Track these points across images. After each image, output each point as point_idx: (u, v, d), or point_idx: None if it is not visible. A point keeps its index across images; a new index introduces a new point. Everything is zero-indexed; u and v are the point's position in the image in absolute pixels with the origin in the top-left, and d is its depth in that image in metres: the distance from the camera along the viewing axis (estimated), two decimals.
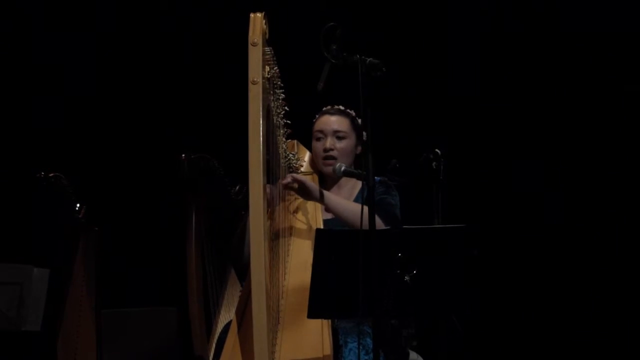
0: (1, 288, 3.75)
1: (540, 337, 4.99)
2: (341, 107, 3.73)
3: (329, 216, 3.58)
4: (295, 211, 3.59)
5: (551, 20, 5.05)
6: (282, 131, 3.44)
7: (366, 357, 3.26)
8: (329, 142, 3.65)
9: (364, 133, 3.62)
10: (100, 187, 4.99)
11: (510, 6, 5.06)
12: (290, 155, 3.62)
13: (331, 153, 3.64)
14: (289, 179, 3.47)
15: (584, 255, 4.97)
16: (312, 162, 3.76)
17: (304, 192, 3.48)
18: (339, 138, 3.66)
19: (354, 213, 3.39)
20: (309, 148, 3.76)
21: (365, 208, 2.88)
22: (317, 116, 3.75)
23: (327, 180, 3.73)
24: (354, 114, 3.72)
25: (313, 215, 3.56)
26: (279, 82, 3.33)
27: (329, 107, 3.74)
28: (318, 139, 3.69)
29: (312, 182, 3.61)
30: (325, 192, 3.51)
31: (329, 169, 3.64)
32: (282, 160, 3.50)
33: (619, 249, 4.95)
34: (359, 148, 3.70)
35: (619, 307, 4.90)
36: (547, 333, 4.99)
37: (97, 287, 4.15)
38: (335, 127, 3.67)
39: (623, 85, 4.94)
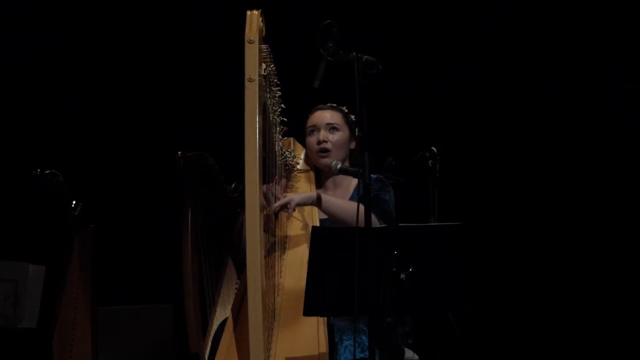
0: None
1: (537, 335, 5.00)
2: (333, 104, 3.74)
3: (325, 215, 3.58)
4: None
5: (549, 19, 5.06)
6: (278, 129, 3.45)
7: (362, 355, 3.26)
8: (322, 134, 3.66)
9: (357, 130, 3.66)
10: (96, 185, 4.99)
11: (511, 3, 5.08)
12: (287, 152, 3.62)
13: (325, 145, 3.65)
14: (278, 206, 3.42)
15: (583, 254, 4.97)
16: (308, 159, 3.76)
17: (300, 205, 3.48)
18: (332, 130, 3.67)
19: (348, 212, 3.39)
20: (305, 146, 3.76)
21: (361, 206, 2.87)
22: (309, 115, 3.75)
23: (323, 176, 3.74)
24: (346, 109, 3.73)
25: (309, 213, 3.56)
26: (276, 80, 3.33)
27: (320, 104, 3.75)
28: (311, 133, 3.69)
29: (308, 183, 3.62)
30: (318, 195, 3.50)
31: (324, 162, 3.64)
32: (278, 158, 3.50)
33: (618, 246, 4.95)
34: (353, 143, 3.71)
35: (618, 307, 4.91)
36: (544, 331, 5.00)
37: (92, 285, 4.15)
38: (328, 120, 3.68)
39: (624, 84, 4.95)
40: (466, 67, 5.11)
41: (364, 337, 3.29)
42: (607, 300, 4.93)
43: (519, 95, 5.10)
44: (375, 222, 3.29)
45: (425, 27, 5.13)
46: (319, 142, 3.65)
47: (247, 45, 3.10)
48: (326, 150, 3.65)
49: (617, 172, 4.99)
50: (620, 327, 4.91)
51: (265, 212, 3.38)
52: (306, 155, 3.77)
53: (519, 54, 5.08)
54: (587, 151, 5.02)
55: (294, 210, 3.43)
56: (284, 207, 3.41)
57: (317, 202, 3.47)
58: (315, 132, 3.68)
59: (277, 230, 3.47)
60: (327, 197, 3.52)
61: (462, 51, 5.12)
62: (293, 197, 3.44)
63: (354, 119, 3.70)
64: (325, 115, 3.70)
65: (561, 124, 5.06)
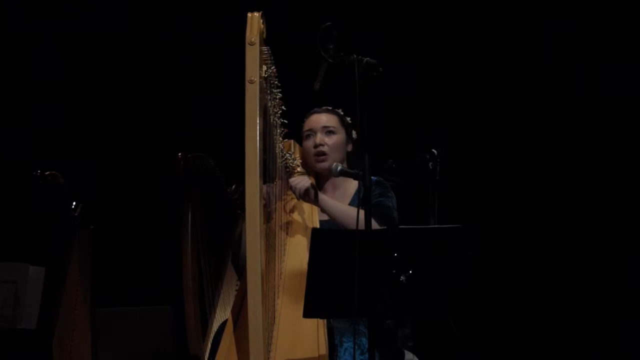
0: None
1: (537, 337, 5.00)
2: (329, 107, 3.73)
3: (325, 217, 3.57)
4: (292, 211, 3.59)
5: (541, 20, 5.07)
6: (278, 131, 3.44)
7: (362, 357, 3.26)
8: (319, 137, 3.65)
9: (354, 132, 3.66)
10: (96, 186, 4.99)
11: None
12: (287, 155, 3.61)
13: (322, 148, 3.64)
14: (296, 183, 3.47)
15: (581, 256, 4.98)
16: (306, 162, 3.76)
17: (306, 194, 3.48)
18: (329, 133, 3.66)
19: (349, 216, 3.39)
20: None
21: (361, 211, 2.87)
22: (305, 119, 3.75)
23: (322, 179, 3.73)
24: (342, 112, 3.73)
25: (309, 215, 3.56)
26: (276, 82, 3.33)
27: (316, 108, 3.75)
28: (308, 137, 3.69)
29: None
30: (321, 195, 3.51)
31: (321, 166, 3.64)
32: (278, 160, 3.49)
33: (617, 246, 4.95)
34: (350, 145, 3.70)
35: (618, 307, 4.91)
36: (544, 333, 5.00)
37: (92, 286, 4.15)
38: (324, 123, 3.67)
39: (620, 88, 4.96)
40: (465, 69, 5.11)
41: (364, 339, 3.28)
42: (606, 302, 4.93)
43: (518, 97, 5.10)
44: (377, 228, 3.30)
45: (423, 27, 5.13)
46: (316, 146, 3.65)
47: (247, 47, 3.09)
48: (323, 154, 3.64)
49: (617, 173, 4.99)
50: (620, 330, 4.91)
51: (265, 213, 3.38)
52: (304, 158, 3.76)
53: (518, 55, 5.08)
54: (586, 152, 5.02)
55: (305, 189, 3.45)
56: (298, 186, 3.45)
57: (316, 201, 3.47)
58: (312, 136, 3.67)
59: (277, 232, 3.47)
60: (327, 199, 3.52)
61: (461, 53, 5.12)
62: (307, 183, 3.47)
63: (350, 122, 3.70)
64: (321, 119, 3.69)
65: (560, 125, 5.06)
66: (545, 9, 5.05)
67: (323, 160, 3.63)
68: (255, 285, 2.98)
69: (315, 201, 3.48)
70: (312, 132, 3.67)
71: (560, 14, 5.04)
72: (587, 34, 5.00)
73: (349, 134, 3.69)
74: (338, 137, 3.67)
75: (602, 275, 4.94)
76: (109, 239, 4.64)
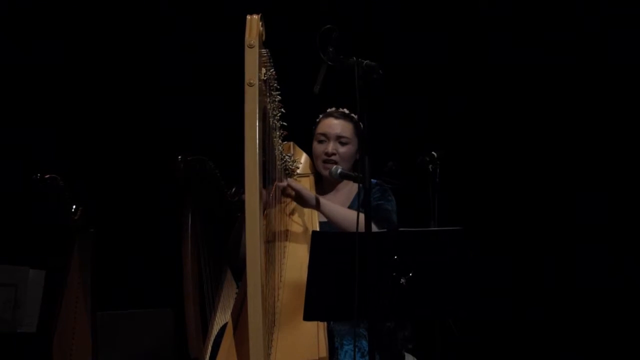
0: None
1: (536, 339, 4.99)
2: (345, 111, 3.70)
3: (325, 219, 3.57)
4: (292, 213, 3.59)
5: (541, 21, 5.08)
6: (278, 133, 3.44)
7: None
8: (332, 146, 3.64)
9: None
10: (96, 189, 4.99)
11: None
12: (287, 157, 3.61)
13: (333, 157, 3.63)
14: (285, 183, 3.46)
15: (580, 258, 4.97)
16: (309, 163, 3.75)
17: (300, 199, 3.47)
18: (342, 143, 3.65)
19: (349, 220, 3.38)
20: (305, 150, 3.75)
21: (361, 215, 2.87)
22: (320, 117, 3.73)
23: (325, 183, 3.73)
24: (357, 118, 3.70)
25: (309, 218, 3.56)
26: (275, 84, 3.33)
27: (333, 109, 3.72)
28: (320, 142, 3.67)
29: (308, 187, 3.61)
30: (321, 200, 3.49)
31: (326, 172, 3.63)
32: (278, 162, 3.49)
33: (615, 246, 4.95)
34: (359, 154, 3.69)
35: (618, 308, 4.91)
36: (544, 335, 4.99)
37: (92, 289, 4.15)
38: (339, 131, 3.65)
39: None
40: (464, 70, 5.11)
41: (364, 342, 3.28)
42: (607, 302, 4.93)
43: (518, 98, 5.10)
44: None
45: (422, 29, 5.13)
46: (327, 154, 3.63)
47: (247, 49, 3.09)
48: (333, 162, 3.63)
49: (617, 174, 4.99)
50: (621, 332, 4.91)
51: (264, 215, 3.38)
52: (306, 159, 3.76)
53: (516, 56, 5.09)
54: (586, 153, 5.02)
55: (294, 190, 3.44)
56: (286, 191, 3.41)
57: (317, 206, 3.46)
58: (324, 142, 3.66)
59: (277, 234, 3.47)
60: (328, 203, 3.51)
61: (460, 53, 5.12)
62: (300, 186, 3.44)
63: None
64: (337, 126, 3.66)
65: (559, 126, 5.06)
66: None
67: (331, 167, 3.62)
68: (255, 287, 2.97)
69: (317, 206, 3.47)
70: (325, 137, 3.65)
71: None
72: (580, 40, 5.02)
73: (361, 142, 3.66)
74: (350, 147, 3.65)
75: (602, 276, 4.94)
76: (109, 241, 4.64)
